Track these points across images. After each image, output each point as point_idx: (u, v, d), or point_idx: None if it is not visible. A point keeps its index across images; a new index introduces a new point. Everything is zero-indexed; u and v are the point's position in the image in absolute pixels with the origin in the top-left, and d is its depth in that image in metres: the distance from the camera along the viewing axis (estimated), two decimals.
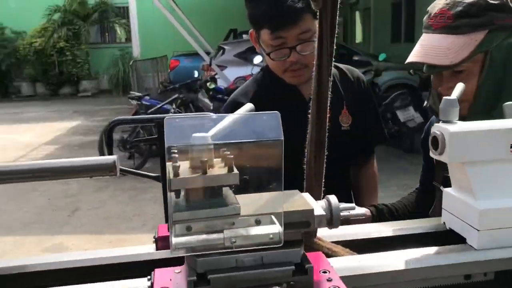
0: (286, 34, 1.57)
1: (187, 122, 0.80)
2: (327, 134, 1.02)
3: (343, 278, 0.94)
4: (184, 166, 0.79)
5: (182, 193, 0.78)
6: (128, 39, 16.99)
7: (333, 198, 0.88)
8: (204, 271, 0.80)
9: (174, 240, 0.73)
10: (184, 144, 0.77)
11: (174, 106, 7.36)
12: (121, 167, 0.92)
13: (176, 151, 0.78)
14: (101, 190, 6.45)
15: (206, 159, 0.77)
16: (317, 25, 0.94)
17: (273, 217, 0.80)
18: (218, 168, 0.79)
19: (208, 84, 7.48)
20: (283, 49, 1.60)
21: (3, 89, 15.78)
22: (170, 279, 0.81)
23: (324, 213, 0.84)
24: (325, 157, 1.02)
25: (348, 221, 1.07)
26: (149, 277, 0.89)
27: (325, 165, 1.03)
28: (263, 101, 1.52)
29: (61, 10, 15.25)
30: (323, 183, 1.03)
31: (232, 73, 8.58)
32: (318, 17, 0.94)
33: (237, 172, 0.77)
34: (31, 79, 15.83)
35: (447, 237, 1.14)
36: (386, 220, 1.58)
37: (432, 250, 1.05)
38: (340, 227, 1.22)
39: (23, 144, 9.49)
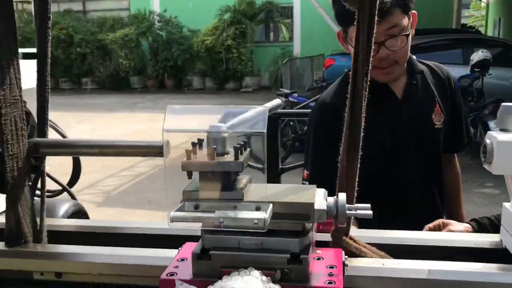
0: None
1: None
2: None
3: (358, 278, 0.95)
4: (203, 152, 0.89)
5: (194, 175, 0.88)
6: (291, 38, 17.58)
7: (342, 196, 0.89)
8: (210, 247, 0.89)
9: (172, 213, 0.83)
10: (201, 131, 0.87)
11: None
12: None
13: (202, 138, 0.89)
14: None
15: (215, 147, 0.86)
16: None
17: (271, 205, 0.85)
18: (229, 156, 0.87)
19: None
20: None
21: (177, 81, 17.63)
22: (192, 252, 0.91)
23: (324, 208, 0.86)
24: (358, 157, 1.01)
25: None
26: (180, 248, 1.01)
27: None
28: None
29: (231, 10, 16.40)
30: (356, 184, 1.02)
31: None
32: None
33: (241, 161, 0.84)
34: (202, 74, 17.39)
35: (500, 256, 1.05)
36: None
37: (473, 266, 0.99)
38: (391, 231, 1.21)
39: None
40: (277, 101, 0.99)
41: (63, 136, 1.56)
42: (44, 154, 1.17)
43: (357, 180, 1.03)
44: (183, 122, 0.88)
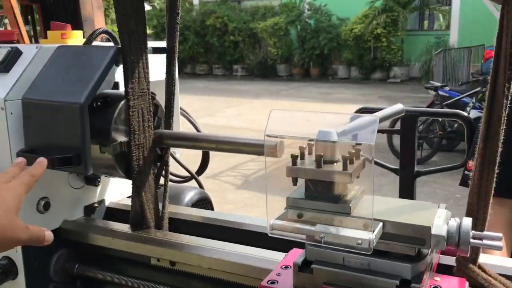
0: None
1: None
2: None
3: None
4: (310, 157, 0.84)
5: (301, 182, 0.83)
6: (447, 26, 16.32)
7: (466, 221, 0.77)
8: (312, 259, 0.84)
9: (272, 221, 0.79)
10: (302, 137, 0.82)
11: (474, 100, 6.80)
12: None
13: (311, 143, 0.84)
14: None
15: (321, 154, 0.80)
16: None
17: (381, 224, 0.77)
18: (337, 165, 0.80)
19: None
20: None
21: (323, 70, 17.56)
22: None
23: (443, 234, 0.75)
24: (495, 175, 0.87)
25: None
26: (286, 254, 0.98)
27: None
28: None
29: None
30: (490, 207, 0.88)
31: None
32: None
33: (350, 171, 0.77)
34: (348, 63, 17.07)
35: None
36: None
37: None
38: None
39: None
40: (397, 107, 0.89)
41: (195, 126, 1.62)
42: (167, 145, 1.22)
43: (490, 201, 0.88)
44: (287, 126, 0.83)
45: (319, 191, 0.81)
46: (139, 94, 1.13)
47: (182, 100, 1.51)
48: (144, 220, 1.23)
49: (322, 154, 0.79)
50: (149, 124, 1.18)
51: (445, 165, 2.49)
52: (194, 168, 1.69)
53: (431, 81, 8.68)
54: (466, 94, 6.94)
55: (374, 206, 0.81)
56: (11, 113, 1.09)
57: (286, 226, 0.79)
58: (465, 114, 2.22)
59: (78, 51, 1.16)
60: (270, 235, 0.80)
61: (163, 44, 1.24)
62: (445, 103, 6.87)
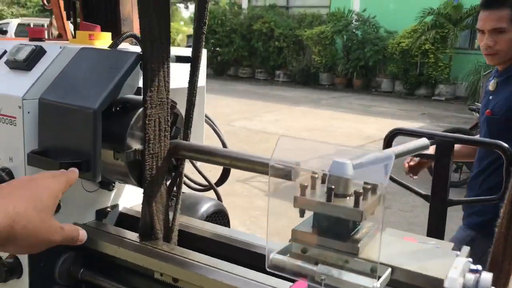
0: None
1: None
2: None
3: None
4: (321, 188, 0.78)
5: (308, 213, 0.78)
6: None
7: (486, 276, 0.69)
8: None
9: (272, 255, 0.74)
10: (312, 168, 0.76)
11: None
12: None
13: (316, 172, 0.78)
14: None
15: (333, 187, 0.74)
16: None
17: (389, 270, 0.70)
18: (348, 199, 0.74)
19: None
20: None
21: (366, 82, 17.29)
22: None
23: None
24: None
25: None
26: (291, 284, 0.93)
27: None
28: None
29: (434, 13, 15.36)
30: None
31: None
32: None
33: (362, 209, 0.71)
34: (392, 77, 16.74)
35: None
36: None
37: None
38: None
39: (365, 135, 10.25)
40: (422, 142, 0.82)
41: (219, 136, 1.59)
42: (182, 157, 1.19)
43: None
44: (295, 154, 0.78)
45: (328, 226, 0.76)
46: (157, 103, 1.10)
47: (222, 102, 1.48)
48: (153, 231, 1.20)
49: (333, 187, 0.74)
50: (166, 134, 1.15)
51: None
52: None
53: (476, 103, 8.37)
54: None
55: (387, 247, 0.75)
56: (28, 112, 1.08)
57: (286, 262, 0.74)
58: (505, 145, 2.09)
59: (101, 54, 1.14)
60: (268, 269, 0.74)
61: (189, 52, 1.21)
62: None
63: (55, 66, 1.14)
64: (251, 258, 1.18)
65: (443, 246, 0.83)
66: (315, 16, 18.98)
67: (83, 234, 0.84)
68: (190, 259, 1.11)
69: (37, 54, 1.16)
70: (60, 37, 2.91)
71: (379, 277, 0.68)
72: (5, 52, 1.23)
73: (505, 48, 2.15)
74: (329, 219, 0.76)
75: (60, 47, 1.16)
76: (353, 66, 17.09)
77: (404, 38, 15.85)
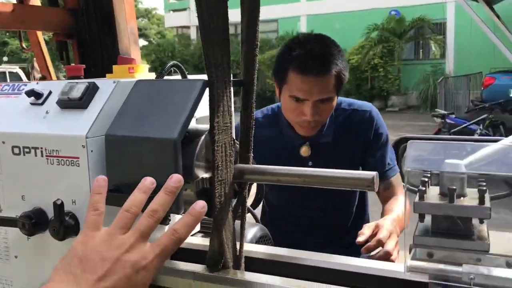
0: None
1: (437, 145, 0.80)
2: None
3: None
4: (433, 191, 0.79)
5: (427, 218, 0.78)
6: (442, 55, 16.59)
7: None
8: None
9: (410, 262, 0.74)
10: (434, 170, 0.77)
11: (481, 126, 6.83)
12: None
13: (428, 175, 0.79)
14: None
15: (455, 188, 0.75)
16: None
17: None
18: (469, 199, 0.76)
19: None
20: None
21: None
22: None
23: None
24: None
25: None
26: None
27: None
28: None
29: (379, 28, 16.03)
30: None
31: None
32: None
33: (489, 206, 0.73)
34: (346, 93, 17.23)
35: None
36: None
37: None
38: None
39: None
40: None
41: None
42: (247, 180, 1.18)
43: None
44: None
45: (450, 227, 0.77)
46: (223, 128, 1.09)
47: None
48: (223, 259, 1.17)
49: (455, 187, 0.75)
50: (231, 159, 1.14)
51: None
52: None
53: (436, 109, 8.73)
54: (473, 121, 6.97)
55: (504, 242, 0.77)
56: (91, 151, 1.05)
57: (426, 267, 0.74)
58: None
59: (159, 85, 1.12)
60: (407, 277, 0.74)
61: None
62: (452, 130, 6.88)
63: (112, 102, 1.11)
64: (319, 274, 1.17)
65: None
66: (265, 41, 19.35)
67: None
68: (271, 283, 1.08)
69: (91, 91, 1.12)
70: (44, 78, 2.83)
71: None
72: (50, 92, 1.19)
73: (327, 117, 1.86)
74: (449, 220, 0.77)
75: (113, 82, 1.14)
76: None
77: (353, 54, 16.41)
